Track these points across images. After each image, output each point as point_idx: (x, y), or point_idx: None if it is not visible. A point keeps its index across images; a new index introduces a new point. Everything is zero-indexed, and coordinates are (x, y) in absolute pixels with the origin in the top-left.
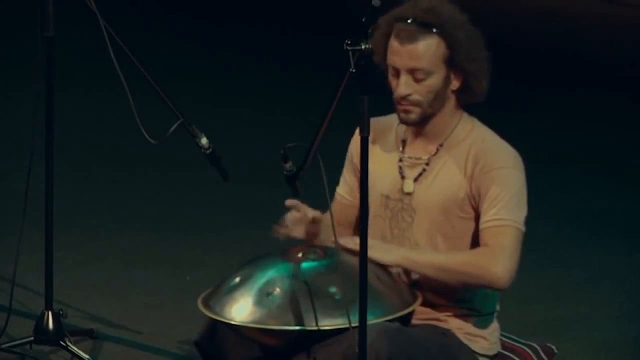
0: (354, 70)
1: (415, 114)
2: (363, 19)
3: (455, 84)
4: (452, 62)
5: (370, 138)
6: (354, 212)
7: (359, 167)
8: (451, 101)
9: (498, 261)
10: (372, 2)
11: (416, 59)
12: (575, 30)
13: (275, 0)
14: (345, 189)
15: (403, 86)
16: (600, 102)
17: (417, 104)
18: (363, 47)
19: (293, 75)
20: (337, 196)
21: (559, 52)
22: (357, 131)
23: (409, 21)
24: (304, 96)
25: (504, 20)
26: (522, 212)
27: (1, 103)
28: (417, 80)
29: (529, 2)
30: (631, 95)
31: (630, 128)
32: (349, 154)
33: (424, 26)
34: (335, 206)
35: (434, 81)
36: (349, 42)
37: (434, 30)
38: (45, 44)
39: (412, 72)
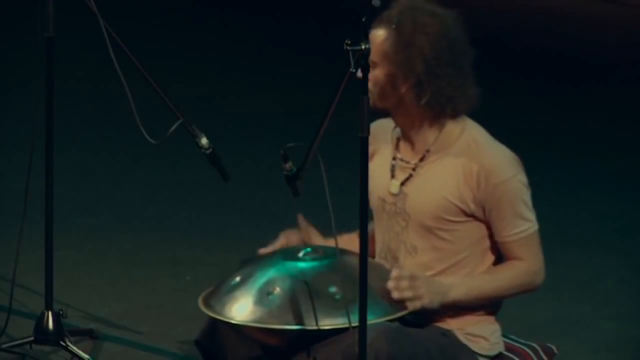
0: (354, 70)
1: (370, 99)
2: (363, 19)
3: (402, 88)
4: (393, 60)
5: (372, 141)
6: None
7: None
8: (411, 104)
9: (539, 273)
10: (372, 2)
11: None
12: (575, 30)
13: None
14: None
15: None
16: (600, 103)
17: (369, 91)
18: (363, 47)
19: (293, 75)
20: None
21: (558, 52)
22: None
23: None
24: (304, 96)
25: (504, 20)
26: (532, 210)
27: (1, 103)
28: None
29: (529, 2)
30: (631, 96)
31: (630, 128)
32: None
33: (386, 18)
34: None
35: (377, 73)
36: (349, 42)
37: (392, 25)
38: (45, 44)
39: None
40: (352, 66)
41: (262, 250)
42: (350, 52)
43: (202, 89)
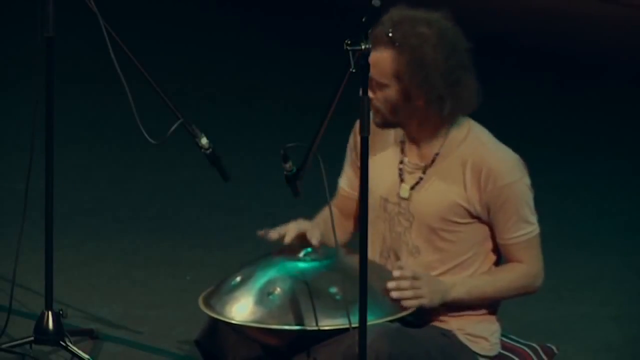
0: (354, 70)
1: (378, 118)
2: (363, 19)
3: (419, 101)
4: (409, 81)
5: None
6: (353, 204)
7: (357, 162)
8: (429, 113)
9: (538, 276)
10: (372, 2)
11: (372, 67)
12: (575, 30)
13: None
14: (345, 181)
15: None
16: (599, 102)
17: (377, 109)
18: (363, 47)
19: (293, 75)
20: (338, 188)
21: (558, 52)
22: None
23: (379, 28)
24: (304, 96)
25: (504, 20)
26: (535, 213)
27: (1, 103)
28: (372, 88)
29: (529, 2)
30: (631, 96)
31: (628, 128)
32: (350, 146)
33: (386, 38)
34: (337, 198)
35: (389, 94)
36: (349, 42)
37: (395, 44)
38: (45, 44)
39: (370, 78)
40: (352, 66)
41: (272, 233)
42: (350, 52)
43: (203, 89)
